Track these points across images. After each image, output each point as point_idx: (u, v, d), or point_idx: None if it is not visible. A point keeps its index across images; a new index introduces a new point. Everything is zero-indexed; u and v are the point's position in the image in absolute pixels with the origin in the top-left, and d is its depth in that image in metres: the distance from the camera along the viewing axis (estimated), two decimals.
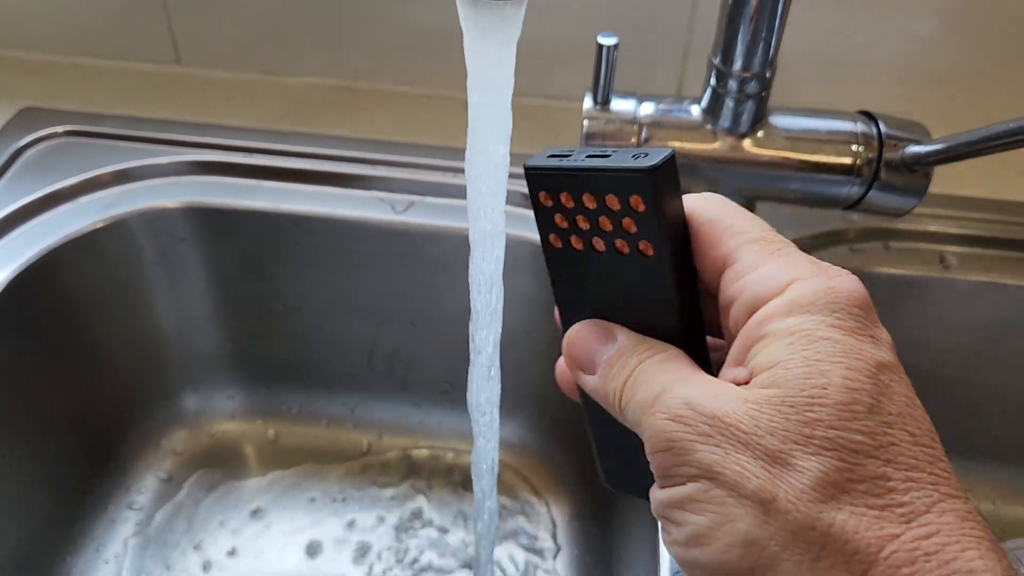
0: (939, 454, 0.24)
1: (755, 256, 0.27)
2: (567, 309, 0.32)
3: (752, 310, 0.26)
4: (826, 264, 0.27)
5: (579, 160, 0.29)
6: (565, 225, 0.30)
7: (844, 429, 0.23)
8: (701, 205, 0.29)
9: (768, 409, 0.24)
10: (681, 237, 0.29)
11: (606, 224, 0.28)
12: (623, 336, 0.29)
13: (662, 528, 0.26)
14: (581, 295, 0.31)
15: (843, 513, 0.23)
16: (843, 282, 0.26)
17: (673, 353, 0.28)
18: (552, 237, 0.30)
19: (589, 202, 0.28)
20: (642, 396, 0.27)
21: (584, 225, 0.29)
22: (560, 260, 0.31)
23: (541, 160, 0.30)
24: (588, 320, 0.30)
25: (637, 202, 0.27)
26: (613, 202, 0.28)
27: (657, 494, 0.26)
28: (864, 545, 0.22)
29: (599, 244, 0.29)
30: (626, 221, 0.28)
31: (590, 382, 0.29)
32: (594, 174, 0.28)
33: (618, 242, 0.29)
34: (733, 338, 0.27)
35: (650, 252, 0.28)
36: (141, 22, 0.73)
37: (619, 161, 0.28)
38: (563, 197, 0.29)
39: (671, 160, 0.27)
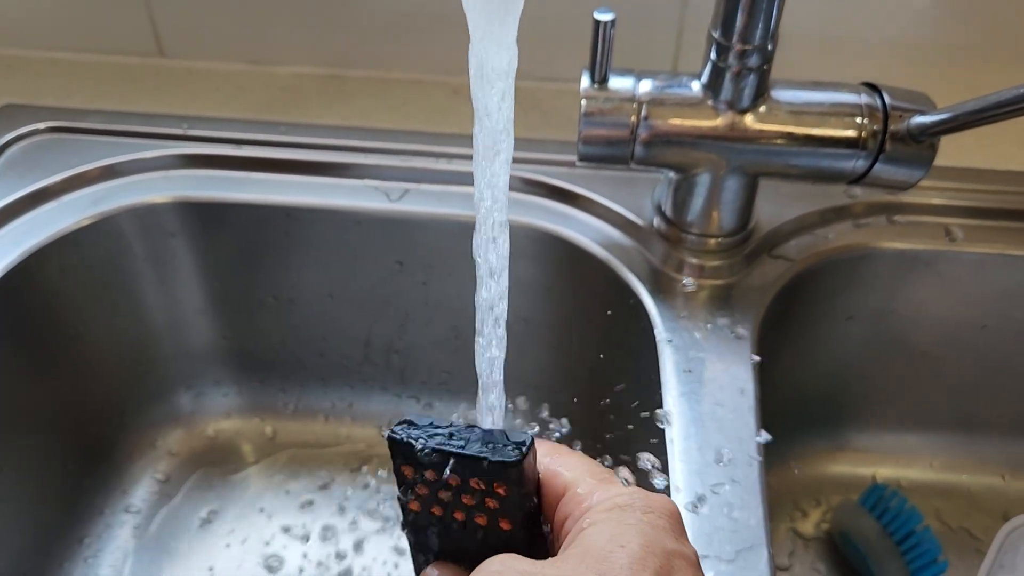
0: None
1: (589, 484, 0.32)
2: (420, 552, 0.34)
3: (580, 516, 0.31)
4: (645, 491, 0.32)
5: (447, 440, 0.31)
6: (426, 493, 0.32)
7: (636, 573, 0.27)
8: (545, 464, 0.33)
9: (572, 560, 0.28)
10: (535, 505, 0.32)
11: (468, 500, 0.31)
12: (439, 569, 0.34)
13: None
14: (435, 543, 0.33)
15: None
16: (658, 497, 0.31)
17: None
18: (412, 503, 0.33)
19: (453, 480, 0.31)
20: None
21: (445, 497, 0.32)
22: (418, 521, 0.33)
23: (404, 432, 0.32)
24: (438, 563, 0.34)
25: (500, 487, 0.30)
26: (478, 484, 0.31)
27: None
28: None
29: (458, 515, 0.32)
30: (488, 501, 0.31)
31: None
32: (463, 459, 0.31)
33: (477, 517, 0.31)
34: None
35: (507, 527, 0.31)
36: (121, 14, 0.71)
37: (489, 451, 0.30)
38: (428, 473, 0.31)
39: (532, 445, 0.31)
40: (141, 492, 0.71)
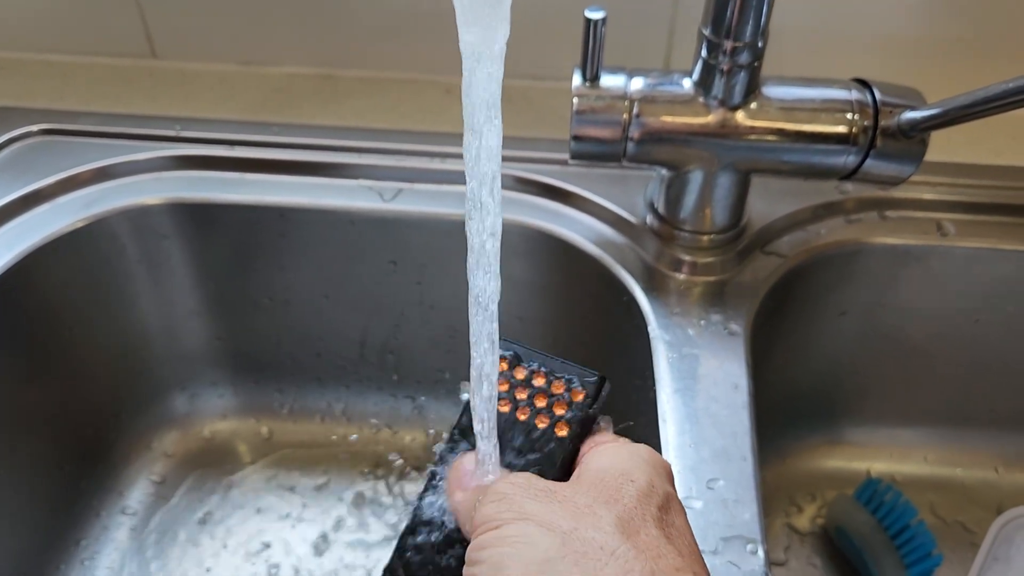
0: (701, 560, 0.32)
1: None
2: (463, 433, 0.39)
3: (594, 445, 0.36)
4: None
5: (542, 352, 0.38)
6: (504, 389, 0.38)
7: (638, 507, 0.31)
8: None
9: (585, 486, 0.32)
10: (587, 430, 0.37)
11: (540, 401, 0.37)
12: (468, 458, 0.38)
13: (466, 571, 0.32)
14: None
15: (625, 545, 0.29)
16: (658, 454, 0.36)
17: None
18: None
19: (538, 380, 0.37)
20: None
21: (520, 396, 0.37)
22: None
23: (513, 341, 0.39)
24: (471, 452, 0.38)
25: (577, 395, 0.37)
26: (559, 387, 0.37)
27: (475, 540, 0.32)
28: (636, 568, 0.29)
29: (523, 415, 0.37)
30: (558, 407, 0.37)
31: (458, 495, 0.37)
32: (559, 362, 0.38)
33: (540, 418, 0.37)
34: None
35: (562, 433, 0.36)
36: (112, 16, 0.71)
37: (578, 369, 0.38)
38: (518, 370, 0.38)
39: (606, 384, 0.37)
40: (137, 494, 0.71)
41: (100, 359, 0.69)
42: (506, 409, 0.37)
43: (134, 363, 0.71)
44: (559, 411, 0.37)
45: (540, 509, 0.31)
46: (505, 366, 0.38)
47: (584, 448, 0.36)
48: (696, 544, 0.32)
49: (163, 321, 0.70)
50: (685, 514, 0.33)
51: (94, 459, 0.70)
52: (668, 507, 0.32)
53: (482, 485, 0.36)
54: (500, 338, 0.35)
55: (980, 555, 0.58)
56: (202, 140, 0.66)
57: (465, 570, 0.32)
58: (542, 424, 0.36)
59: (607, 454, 0.35)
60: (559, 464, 0.36)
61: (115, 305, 0.67)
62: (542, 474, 0.34)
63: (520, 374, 0.38)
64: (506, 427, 0.37)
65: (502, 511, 0.31)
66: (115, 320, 0.68)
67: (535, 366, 0.38)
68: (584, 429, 0.36)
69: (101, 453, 0.71)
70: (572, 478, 0.34)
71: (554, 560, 0.29)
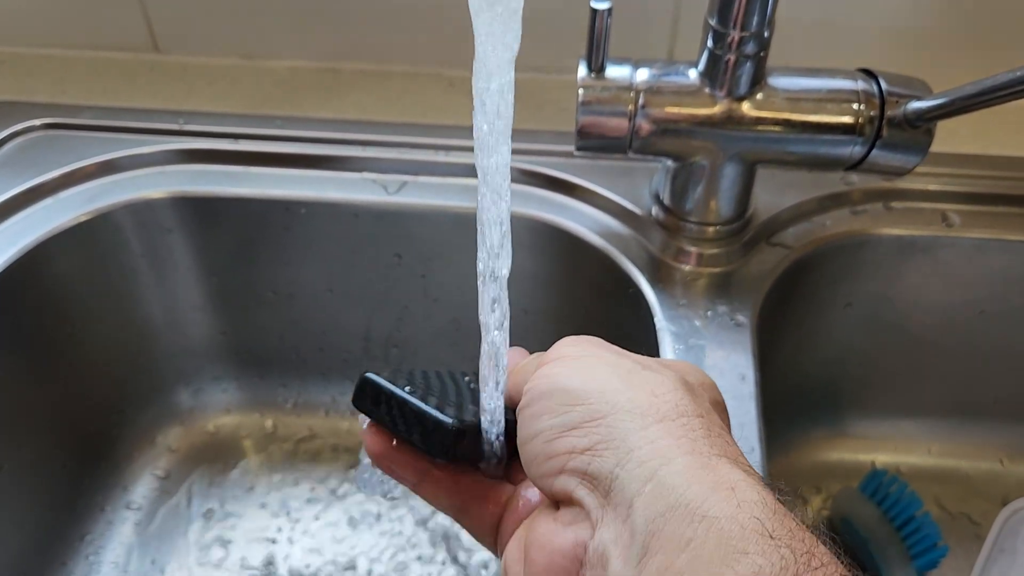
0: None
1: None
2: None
3: None
4: None
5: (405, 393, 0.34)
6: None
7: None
8: None
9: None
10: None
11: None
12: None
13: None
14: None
15: (686, 397, 0.29)
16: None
17: None
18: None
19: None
20: None
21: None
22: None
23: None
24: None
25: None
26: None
27: (539, 371, 0.31)
28: (690, 409, 0.28)
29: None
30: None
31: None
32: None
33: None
34: None
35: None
36: (115, 10, 0.71)
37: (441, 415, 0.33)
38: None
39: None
40: (142, 489, 0.71)
41: (104, 354, 0.69)
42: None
43: (138, 358, 0.71)
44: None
45: (609, 352, 0.31)
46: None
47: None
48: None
49: (167, 316, 0.70)
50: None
51: (98, 454, 0.70)
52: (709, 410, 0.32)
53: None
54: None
55: (986, 546, 0.58)
56: (205, 134, 0.65)
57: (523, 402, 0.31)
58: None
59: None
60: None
61: (119, 300, 0.67)
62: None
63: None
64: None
65: (574, 344, 0.32)
66: (119, 315, 0.68)
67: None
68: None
69: (105, 448, 0.70)
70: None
71: (622, 365, 0.30)
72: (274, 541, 0.67)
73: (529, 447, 0.30)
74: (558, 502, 0.29)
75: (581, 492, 0.28)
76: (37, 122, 0.66)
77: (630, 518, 0.25)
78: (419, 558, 0.67)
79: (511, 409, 0.33)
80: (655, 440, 0.27)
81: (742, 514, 0.24)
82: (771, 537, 0.23)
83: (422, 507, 0.69)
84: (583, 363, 0.30)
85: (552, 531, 0.28)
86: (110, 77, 0.71)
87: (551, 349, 0.32)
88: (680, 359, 0.34)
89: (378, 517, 0.69)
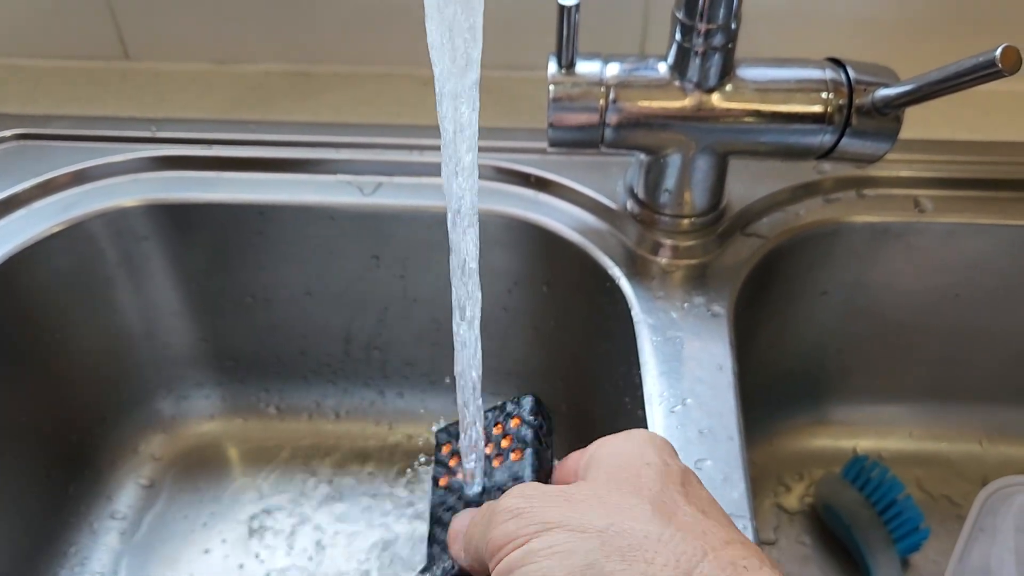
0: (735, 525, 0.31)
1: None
2: (437, 542, 0.39)
3: (585, 451, 0.34)
4: None
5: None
6: (456, 462, 0.40)
7: (664, 489, 0.30)
8: None
9: (601, 479, 0.30)
10: (548, 454, 0.38)
11: (488, 450, 0.39)
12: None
13: None
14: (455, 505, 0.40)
15: (669, 529, 0.27)
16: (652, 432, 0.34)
17: None
18: (443, 478, 0.41)
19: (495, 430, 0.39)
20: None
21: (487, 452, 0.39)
22: (446, 495, 0.41)
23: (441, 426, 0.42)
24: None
25: (516, 420, 0.38)
26: (499, 428, 0.39)
27: (499, 566, 0.29)
28: (688, 550, 0.27)
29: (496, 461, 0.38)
30: (505, 440, 0.38)
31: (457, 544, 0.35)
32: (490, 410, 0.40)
33: (495, 459, 0.38)
34: None
35: (517, 457, 0.37)
36: (83, 18, 0.71)
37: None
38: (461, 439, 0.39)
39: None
40: (126, 498, 0.70)
41: (83, 364, 0.68)
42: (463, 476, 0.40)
43: (118, 367, 0.70)
44: (507, 444, 0.38)
45: (563, 514, 0.28)
46: (448, 447, 0.42)
47: (571, 457, 0.35)
48: (724, 512, 0.31)
49: (146, 324, 0.70)
50: (702, 484, 0.32)
51: (81, 464, 0.70)
52: (688, 481, 0.31)
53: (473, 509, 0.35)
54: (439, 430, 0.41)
55: (966, 527, 0.59)
56: (178, 140, 0.65)
57: None
58: (506, 460, 0.38)
59: (610, 443, 0.33)
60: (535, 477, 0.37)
61: (96, 309, 0.67)
62: None
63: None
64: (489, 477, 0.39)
65: (522, 526, 0.29)
66: (97, 324, 0.67)
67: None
68: (538, 437, 0.38)
69: (88, 458, 0.70)
70: (581, 476, 0.32)
71: (599, 562, 0.27)
72: (260, 547, 0.67)
73: None
74: None
75: None
76: (7, 133, 0.66)
77: None
78: (404, 564, 0.67)
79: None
80: None
81: None
82: None
83: (407, 513, 0.69)
84: (559, 562, 0.27)
85: None
86: (80, 86, 0.71)
87: (498, 526, 0.30)
88: (627, 434, 0.34)
89: (366, 524, 0.69)
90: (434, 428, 0.42)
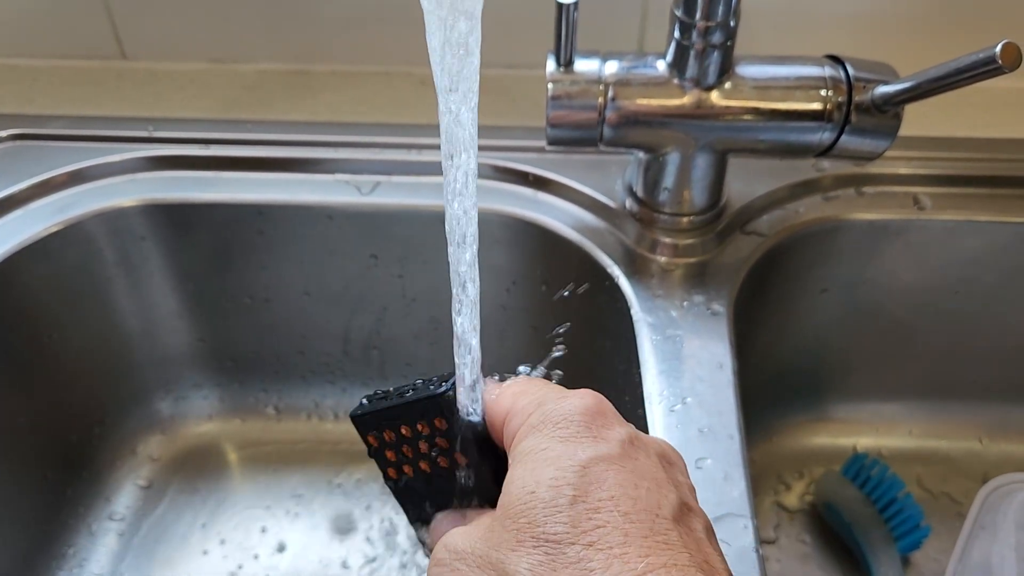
0: (661, 525, 0.26)
1: (521, 403, 0.31)
2: (415, 516, 0.37)
3: (516, 435, 0.30)
4: (573, 390, 0.31)
5: (391, 398, 0.34)
6: (395, 458, 0.35)
7: (546, 524, 0.26)
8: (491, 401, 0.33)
9: (496, 526, 0.27)
10: (482, 435, 0.33)
11: (424, 447, 0.34)
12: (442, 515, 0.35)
13: None
14: (425, 500, 0.36)
15: None
16: (574, 399, 0.30)
17: (469, 513, 0.34)
18: (390, 471, 0.36)
19: (406, 431, 0.34)
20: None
21: (408, 453, 0.35)
22: (399, 486, 0.36)
23: (361, 408, 0.35)
24: (443, 512, 0.35)
25: (440, 422, 0.33)
26: (423, 427, 0.33)
27: None
28: None
29: (424, 466, 0.34)
30: (439, 440, 0.33)
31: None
32: (401, 407, 0.34)
33: (440, 460, 0.34)
34: None
35: (463, 460, 0.33)
36: (80, 18, 0.70)
37: (420, 392, 0.33)
38: (386, 434, 0.35)
39: (454, 378, 0.33)
40: (124, 499, 0.70)
41: (81, 365, 0.68)
42: (395, 474, 0.36)
43: (116, 368, 0.70)
44: (424, 448, 0.34)
45: None
46: (372, 440, 0.36)
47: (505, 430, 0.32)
48: (633, 505, 0.26)
49: (144, 324, 0.69)
50: (615, 460, 0.28)
51: (79, 466, 0.69)
52: (587, 484, 0.27)
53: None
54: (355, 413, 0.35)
55: (967, 524, 0.59)
56: (175, 140, 0.65)
57: None
58: (432, 468, 0.34)
59: (517, 457, 0.29)
60: (471, 492, 0.34)
61: (94, 309, 0.67)
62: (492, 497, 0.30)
63: (388, 436, 0.35)
64: (408, 495, 0.36)
65: None
66: (95, 325, 0.67)
67: (392, 419, 0.35)
68: (475, 436, 0.33)
69: (86, 459, 0.70)
70: (508, 445, 0.30)
71: None
72: (259, 546, 0.67)
73: None
74: None
75: None
76: (4, 133, 0.66)
77: None
78: (403, 565, 0.67)
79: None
80: None
81: None
82: None
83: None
84: None
85: None
86: (77, 85, 0.71)
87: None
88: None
89: (363, 522, 0.69)
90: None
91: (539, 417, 0.29)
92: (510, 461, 0.29)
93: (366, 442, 0.36)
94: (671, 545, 0.26)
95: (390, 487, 0.36)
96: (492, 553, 0.27)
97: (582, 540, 0.25)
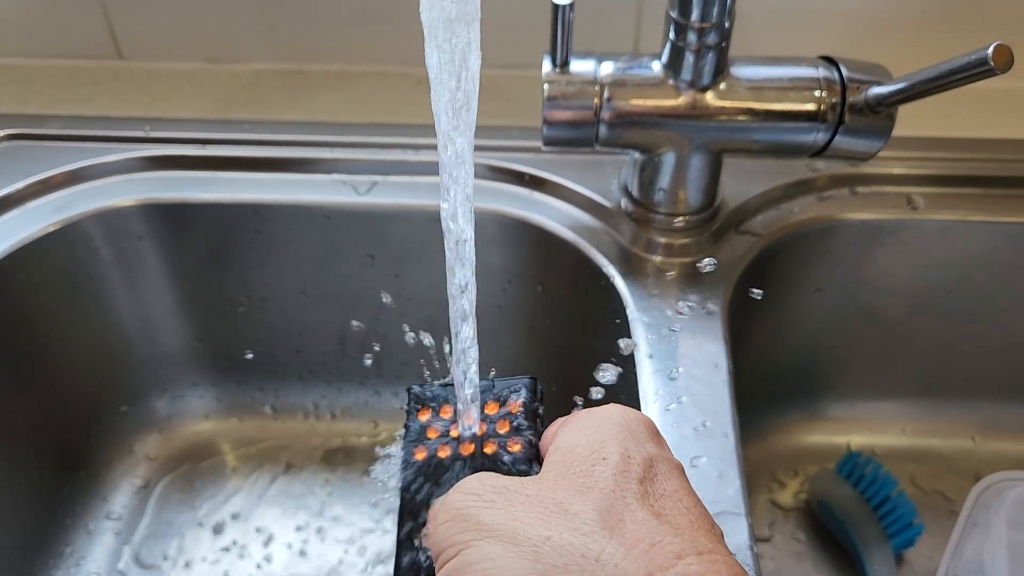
0: (705, 522, 0.28)
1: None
2: (410, 517, 0.35)
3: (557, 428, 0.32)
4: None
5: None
6: (434, 436, 0.35)
7: (617, 489, 0.27)
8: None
9: (553, 474, 0.28)
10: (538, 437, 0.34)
11: (482, 429, 0.34)
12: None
13: None
14: (427, 488, 0.35)
15: (612, 544, 0.25)
16: (631, 410, 0.32)
17: None
18: (417, 451, 0.35)
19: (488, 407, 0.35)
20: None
21: (455, 433, 0.35)
22: (419, 471, 0.35)
23: (424, 385, 0.37)
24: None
25: (515, 406, 0.35)
26: (492, 407, 0.35)
27: (440, 573, 0.27)
28: (630, 570, 0.25)
29: (465, 448, 0.34)
30: (500, 425, 0.34)
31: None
32: (480, 386, 0.35)
33: (487, 445, 0.34)
34: None
35: (516, 448, 0.34)
36: (76, 17, 0.70)
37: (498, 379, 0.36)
38: (443, 410, 0.36)
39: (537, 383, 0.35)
40: (121, 498, 0.70)
41: (78, 364, 0.68)
42: (425, 454, 0.35)
43: (113, 367, 0.70)
44: (503, 430, 0.34)
45: (502, 519, 0.27)
46: (422, 414, 0.36)
47: (548, 432, 0.33)
48: (696, 503, 0.29)
49: (141, 323, 0.70)
50: (678, 470, 0.30)
51: (76, 465, 0.70)
52: (652, 475, 0.28)
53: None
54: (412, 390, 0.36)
55: (959, 522, 0.59)
56: (172, 140, 0.65)
57: None
58: (491, 450, 0.34)
59: (570, 431, 0.30)
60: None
61: (91, 309, 0.67)
62: None
63: (445, 411, 0.36)
64: (422, 483, 0.35)
65: (457, 532, 0.27)
66: (92, 324, 0.67)
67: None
68: (534, 427, 0.35)
69: (83, 458, 0.70)
70: (547, 453, 0.31)
71: None
72: (256, 545, 0.67)
73: None
74: None
75: None
76: (1, 133, 0.66)
77: None
78: None
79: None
80: None
81: None
82: None
83: None
84: (493, 564, 0.26)
85: None
86: (74, 85, 0.71)
87: (439, 527, 0.28)
88: (593, 415, 0.31)
89: (361, 523, 0.69)
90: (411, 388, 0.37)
91: (602, 409, 0.31)
92: (560, 432, 0.31)
93: (412, 415, 0.36)
94: (718, 542, 0.28)
95: (406, 470, 0.35)
96: (550, 494, 0.27)
97: (653, 511, 0.27)
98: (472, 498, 0.28)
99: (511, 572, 0.25)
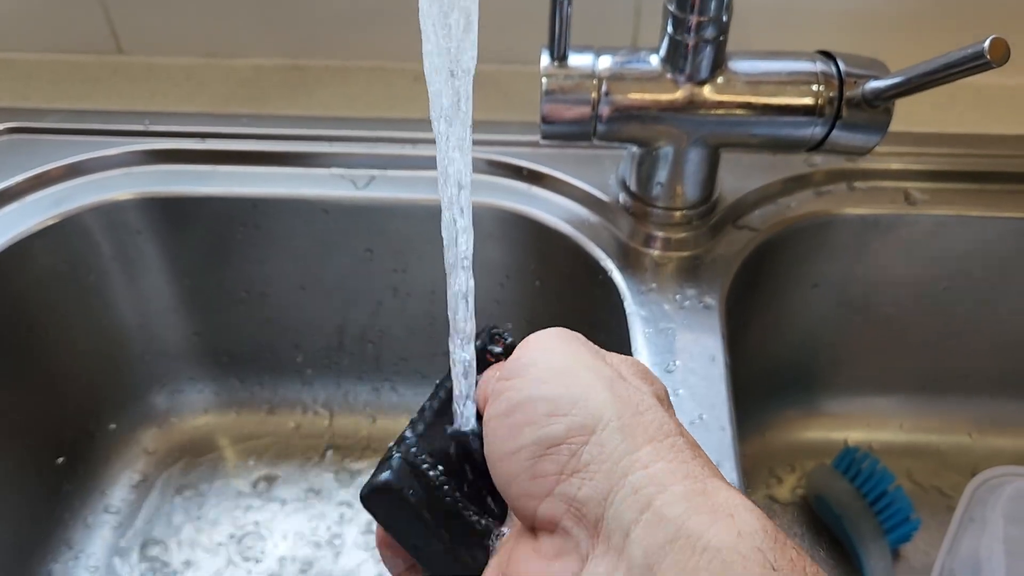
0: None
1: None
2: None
3: None
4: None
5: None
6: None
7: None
8: None
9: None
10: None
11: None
12: None
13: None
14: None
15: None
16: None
17: None
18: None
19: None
20: None
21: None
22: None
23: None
24: None
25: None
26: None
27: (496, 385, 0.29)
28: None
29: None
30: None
31: None
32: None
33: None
34: None
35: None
36: (76, 12, 0.71)
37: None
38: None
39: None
40: (120, 492, 0.70)
41: (77, 358, 0.68)
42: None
43: (112, 361, 0.71)
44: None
45: (579, 348, 0.29)
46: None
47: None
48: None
49: (140, 318, 0.70)
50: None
51: (75, 459, 0.70)
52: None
53: None
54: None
55: (956, 517, 0.59)
56: (171, 134, 0.65)
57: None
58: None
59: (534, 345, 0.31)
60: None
61: (90, 303, 0.67)
62: None
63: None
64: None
65: (534, 353, 0.29)
66: (91, 318, 0.67)
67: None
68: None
69: (81, 453, 0.70)
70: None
71: (588, 367, 0.27)
72: (254, 539, 0.67)
73: (508, 464, 0.27)
74: (535, 528, 0.27)
75: (568, 521, 0.26)
76: (1, 127, 0.66)
77: (626, 550, 0.24)
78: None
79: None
80: (648, 464, 0.25)
81: (743, 544, 0.23)
82: (773, 569, 0.23)
83: None
84: (562, 365, 0.27)
85: (536, 568, 0.26)
86: (73, 80, 0.71)
87: (519, 349, 0.29)
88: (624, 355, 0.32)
89: (360, 518, 0.69)
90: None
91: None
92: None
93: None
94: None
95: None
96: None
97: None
98: (556, 338, 0.29)
99: (584, 363, 0.27)
